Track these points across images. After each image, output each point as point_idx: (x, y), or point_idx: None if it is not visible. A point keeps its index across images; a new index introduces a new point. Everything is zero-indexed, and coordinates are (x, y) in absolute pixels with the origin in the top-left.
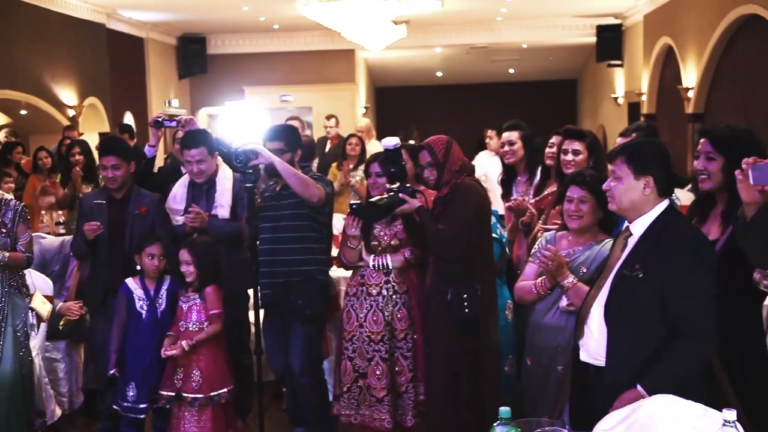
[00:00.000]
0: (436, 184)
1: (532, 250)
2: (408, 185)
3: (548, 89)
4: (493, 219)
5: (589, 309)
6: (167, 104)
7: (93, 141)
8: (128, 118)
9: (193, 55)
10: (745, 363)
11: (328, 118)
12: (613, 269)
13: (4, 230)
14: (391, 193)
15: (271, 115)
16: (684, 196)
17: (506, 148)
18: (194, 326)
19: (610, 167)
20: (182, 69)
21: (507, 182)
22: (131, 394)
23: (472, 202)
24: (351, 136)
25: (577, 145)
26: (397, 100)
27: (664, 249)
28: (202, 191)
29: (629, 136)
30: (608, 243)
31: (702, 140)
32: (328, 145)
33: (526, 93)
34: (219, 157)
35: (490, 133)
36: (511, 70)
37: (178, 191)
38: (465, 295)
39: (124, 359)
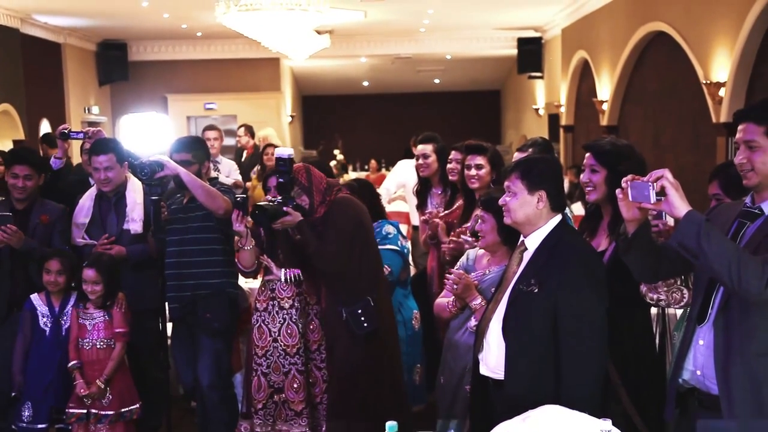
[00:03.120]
0: (311, 209)
1: (455, 267)
2: (295, 199)
3: (473, 99)
4: (394, 230)
5: (487, 323)
6: (86, 111)
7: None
8: (45, 126)
9: (114, 62)
10: (638, 362)
11: (239, 128)
12: (509, 284)
13: None
14: (277, 203)
15: (196, 124)
16: (576, 208)
17: (421, 161)
18: (101, 343)
19: (505, 183)
20: (102, 75)
21: (422, 194)
22: (27, 413)
23: (349, 214)
24: (268, 146)
25: (479, 160)
26: (324, 108)
27: (556, 264)
28: (110, 204)
29: (526, 151)
30: None
31: (587, 154)
32: (244, 155)
33: (452, 103)
34: (128, 170)
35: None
36: (437, 81)
37: (85, 204)
38: (359, 311)
39: (23, 377)
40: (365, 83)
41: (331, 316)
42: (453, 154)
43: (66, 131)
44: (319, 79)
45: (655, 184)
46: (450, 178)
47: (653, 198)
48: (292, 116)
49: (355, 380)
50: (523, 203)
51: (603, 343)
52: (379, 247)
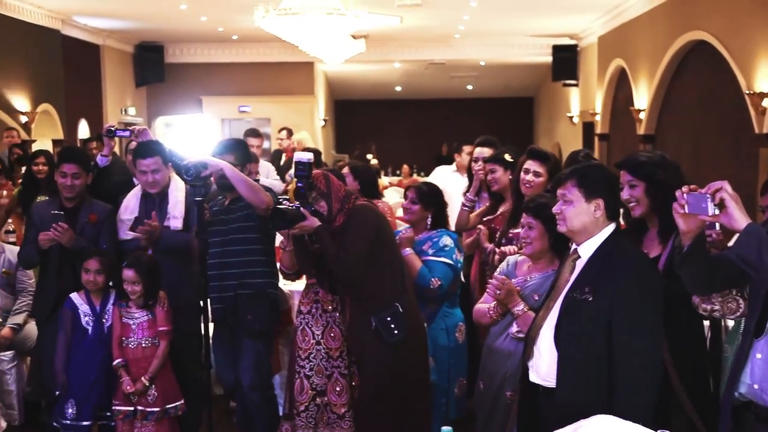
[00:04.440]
0: (329, 216)
1: (496, 272)
2: (314, 204)
3: (506, 106)
4: (452, 243)
5: (538, 331)
6: (123, 112)
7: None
8: (83, 126)
9: (151, 64)
10: (694, 370)
11: (280, 130)
12: (562, 291)
13: None
14: (295, 207)
15: (229, 126)
16: None
17: (480, 164)
18: (146, 342)
19: (559, 191)
20: (139, 77)
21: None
22: (70, 411)
23: (367, 221)
24: (304, 149)
25: (539, 167)
26: (356, 113)
27: (611, 272)
28: (154, 203)
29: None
30: None
31: (621, 172)
32: (284, 158)
33: (484, 109)
34: (172, 169)
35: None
36: (470, 87)
37: (131, 202)
38: (389, 318)
39: (67, 375)
40: (398, 88)
41: (359, 326)
42: (472, 151)
43: (112, 129)
44: (352, 84)
45: (713, 196)
46: (477, 175)
47: (711, 210)
48: (324, 120)
49: (386, 389)
50: (579, 212)
51: (658, 353)
52: (434, 258)
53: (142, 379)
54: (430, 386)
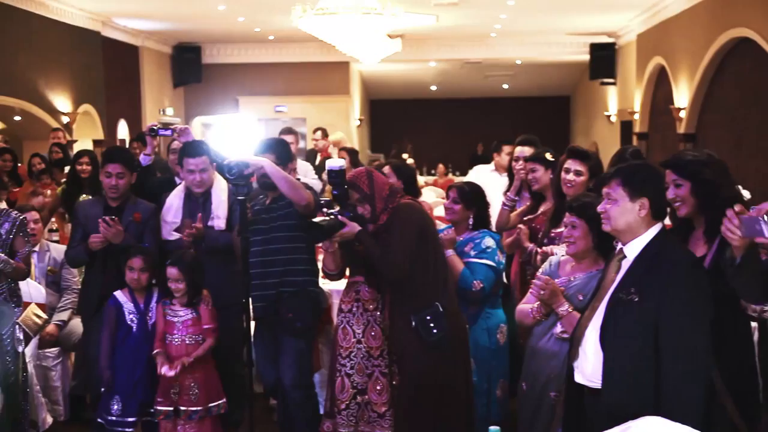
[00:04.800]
0: (372, 216)
1: (538, 272)
2: (348, 209)
3: (542, 105)
4: (494, 244)
5: (583, 331)
6: (161, 113)
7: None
8: (122, 126)
9: (188, 64)
10: (740, 370)
11: (315, 131)
12: (607, 292)
13: None
14: (332, 216)
15: (265, 126)
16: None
17: (521, 163)
18: (190, 339)
19: (604, 189)
20: (177, 78)
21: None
22: (116, 407)
23: (412, 220)
24: (342, 150)
25: (580, 166)
26: (391, 112)
27: (658, 273)
28: (198, 203)
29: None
30: None
31: (667, 171)
32: (319, 158)
33: (520, 108)
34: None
35: (507, 148)
36: (505, 86)
37: (174, 203)
38: (428, 317)
39: (112, 372)
40: (433, 88)
41: (399, 325)
42: (517, 152)
43: (155, 128)
44: (387, 83)
45: (766, 217)
46: (518, 175)
47: (767, 232)
48: (360, 120)
49: (426, 389)
50: (624, 211)
51: (707, 354)
52: (475, 260)
53: (183, 359)
54: (471, 388)
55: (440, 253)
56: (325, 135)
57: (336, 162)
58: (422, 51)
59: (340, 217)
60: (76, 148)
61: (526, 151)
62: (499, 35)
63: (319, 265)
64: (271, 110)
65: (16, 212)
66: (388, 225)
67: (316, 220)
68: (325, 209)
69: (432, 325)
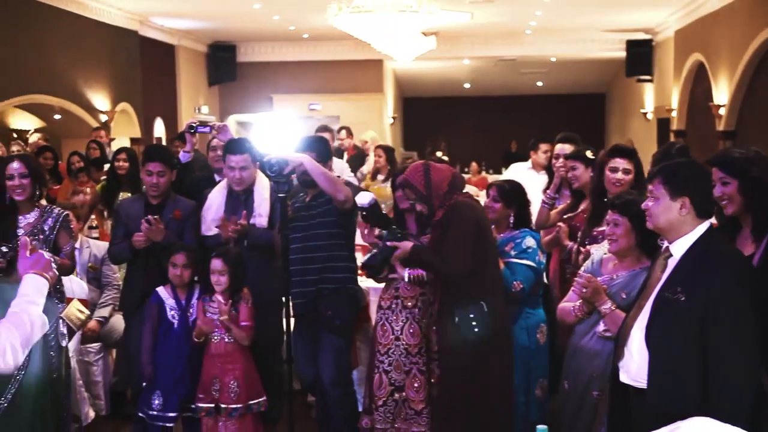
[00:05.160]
0: (429, 214)
1: (580, 270)
2: (396, 229)
3: (576, 103)
4: (534, 244)
5: (629, 331)
6: (197, 111)
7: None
8: (158, 124)
9: (223, 63)
10: None
11: (339, 130)
12: (653, 290)
13: (41, 236)
14: (380, 245)
15: (299, 124)
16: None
17: (561, 161)
18: (229, 337)
19: (648, 187)
20: (212, 76)
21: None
22: (157, 402)
23: (470, 219)
24: (378, 147)
25: (628, 164)
26: (424, 110)
27: (705, 272)
28: (240, 200)
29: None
30: None
31: (713, 169)
32: (345, 156)
33: (554, 106)
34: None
35: (544, 146)
36: (539, 83)
37: (216, 199)
38: (471, 315)
39: (153, 367)
40: (467, 85)
41: (444, 319)
42: (557, 149)
43: (194, 125)
44: (420, 81)
45: None
46: (558, 172)
47: None
48: (393, 118)
49: (465, 386)
50: (665, 209)
51: (755, 354)
52: (516, 260)
53: (221, 318)
54: (512, 390)
55: (493, 252)
56: (349, 134)
57: (364, 198)
58: (456, 48)
59: (388, 243)
60: (114, 146)
61: (566, 148)
62: (534, 32)
63: (359, 262)
64: (305, 108)
65: (59, 208)
66: (445, 222)
67: (365, 261)
68: (378, 239)
69: (474, 323)
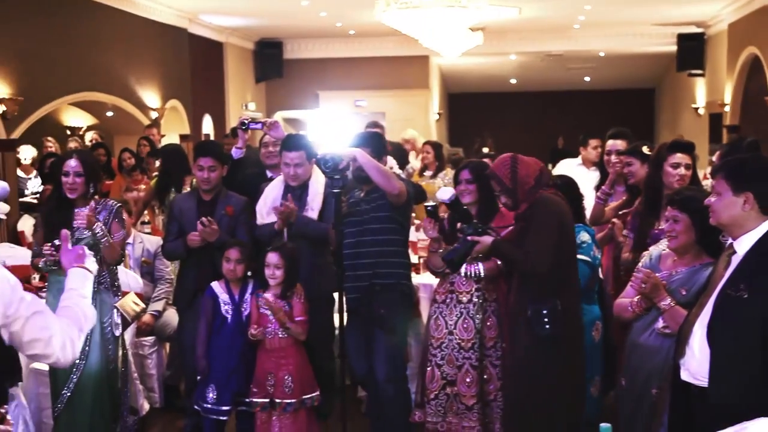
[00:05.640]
0: (513, 206)
1: (638, 266)
2: (477, 224)
3: (625, 98)
4: (589, 238)
5: (690, 328)
6: (244, 108)
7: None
8: (207, 121)
9: (270, 60)
10: None
11: (366, 127)
12: (716, 287)
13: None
14: (461, 239)
15: (347, 120)
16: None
17: (613, 157)
18: (283, 333)
19: (712, 182)
20: (259, 73)
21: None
22: (211, 396)
23: (554, 214)
24: (424, 144)
25: (689, 160)
26: (470, 106)
27: None
28: (295, 195)
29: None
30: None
31: None
32: None
33: (602, 101)
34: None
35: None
36: (587, 78)
37: (272, 193)
38: (545, 311)
39: (208, 361)
40: (513, 81)
41: (516, 313)
42: (609, 145)
43: (246, 122)
44: (466, 77)
45: None
46: (611, 169)
47: None
48: (439, 114)
49: (532, 383)
50: (728, 205)
51: None
52: None
53: (279, 315)
54: (582, 393)
55: (572, 249)
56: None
57: (445, 193)
58: (503, 44)
59: (468, 238)
60: (164, 143)
61: (619, 144)
62: (582, 27)
63: (413, 259)
64: (350, 105)
65: (112, 201)
66: (528, 215)
67: (445, 257)
68: (460, 234)
69: (546, 319)
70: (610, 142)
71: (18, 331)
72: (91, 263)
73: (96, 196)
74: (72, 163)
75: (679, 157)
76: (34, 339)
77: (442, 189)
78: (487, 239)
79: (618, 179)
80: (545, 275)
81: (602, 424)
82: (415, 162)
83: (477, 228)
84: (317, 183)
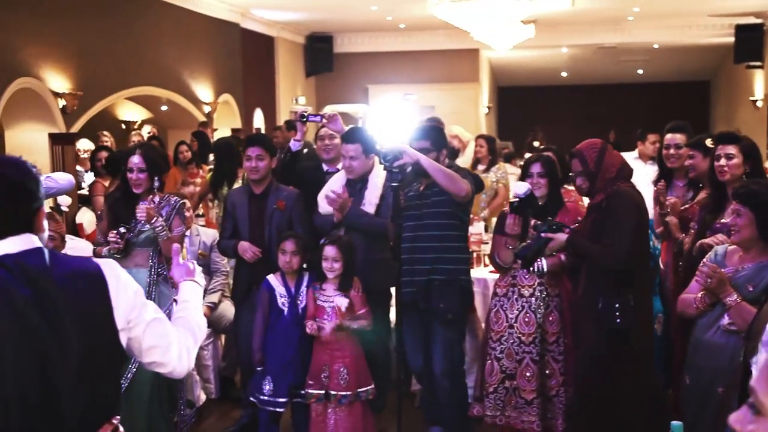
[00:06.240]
0: (588, 193)
1: (703, 261)
2: (551, 220)
3: (679, 91)
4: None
5: (763, 325)
6: (294, 101)
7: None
8: (258, 115)
9: (320, 54)
10: None
11: None
12: None
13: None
14: (534, 236)
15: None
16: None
17: (672, 151)
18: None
19: None
20: (309, 67)
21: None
22: (267, 387)
23: (633, 208)
24: (478, 137)
25: (731, 149)
26: (519, 100)
27: None
28: (356, 189)
29: None
30: None
31: None
32: None
33: (655, 94)
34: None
35: (652, 137)
36: (640, 71)
37: (333, 185)
38: (617, 305)
39: (264, 353)
40: (563, 74)
41: (584, 307)
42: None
43: (305, 114)
44: (516, 70)
45: None
46: (669, 164)
47: None
48: (488, 107)
49: (599, 378)
50: None
51: None
52: None
53: (343, 321)
54: (650, 388)
55: (647, 244)
56: None
57: (521, 188)
58: (555, 36)
59: (542, 234)
60: (216, 136)
61: (677, 138)
62: (636, 18)
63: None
64: (400, 99)
65: (176, 197)
66: (604, 207)
67: (518, 252)
68: (533, 231)
69: (618, 313)
70: (668, 136)
71: (138, 337)
72: (200, 277)
73: (159, 192)
74: (135, 159)
75: (720, 148)
76: (154, 345)
77: (518, 184)
78: (562, 236)
79: (678, 173)
80: (624, 271)
81: (673, 422)
82: (464, 157)
83: (552, 225)
84: (377, 177)
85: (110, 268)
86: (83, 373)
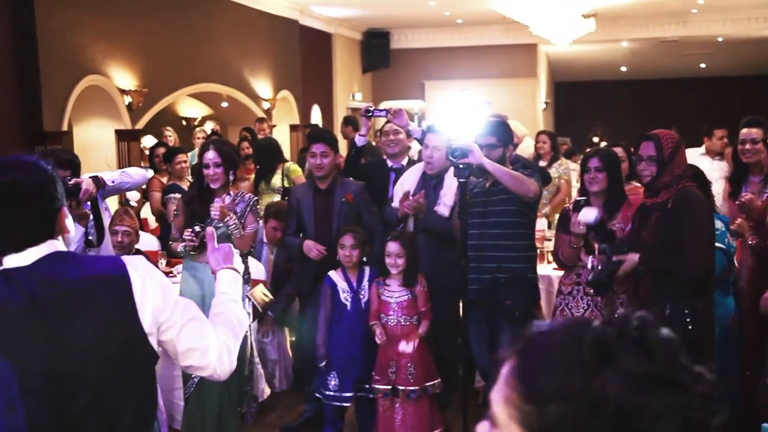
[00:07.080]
0: (650, 182)
1: None
2: (621, 244)
3: (743, 85)
4: (722, 226)
5: None
6: (351, 98)
7: (284, 132)
8: (315, 111)
9: (377, 50)
10: None
11: None
12: None
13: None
14: (602, 260)
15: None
16: None
17: (748, 146)
18: (405, 320)
19: None
20: (366, 63)
21: (737, 181)
22: (333, 383)
23: (706, 212)
24: (540, 133)
25: (755, 134)
26: (577, 95)
27: None
28: (431, 185)
29: None
30: None
31: None
32: None
33: (718, 89)
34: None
35: (719, 133)
36: (702, 65)
37: (409, 179)
38: (686, 311)
39: (328, 349)
40: (623, 68)
41: (648, 308)
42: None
43: (370, 109)
44: (574, 65)
45: None
46: (745, 159)
47: None
48: (546, 103)
49: None
50: None
51: None
52: None
53: (412, 342)
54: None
55: (712, 245)
56: None
57: (590, 215)
58: (615, 30)
59: (614, 258)
60: (275, 133)
61: (754, 132)
62: (700, 11)
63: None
64: (456, 94)
65: (249, 194)
66: (672, 209)
67: (592, 279)
68: (601, 255)
69: (688, 320)
70: (744, 131)
71: (173, 340)
72: (238, 262)
73: (233, 190)
74: (210, 155)
75: (745, 132)
76: (190, 348)
77: (586, 211)
78: (633, 257)
79: (754, 168)
80: (703, 277)
81: (764, 424)
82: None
83: (622, 248)
84: (452, 177)
85: (137, 267)
86: (107, 380)
